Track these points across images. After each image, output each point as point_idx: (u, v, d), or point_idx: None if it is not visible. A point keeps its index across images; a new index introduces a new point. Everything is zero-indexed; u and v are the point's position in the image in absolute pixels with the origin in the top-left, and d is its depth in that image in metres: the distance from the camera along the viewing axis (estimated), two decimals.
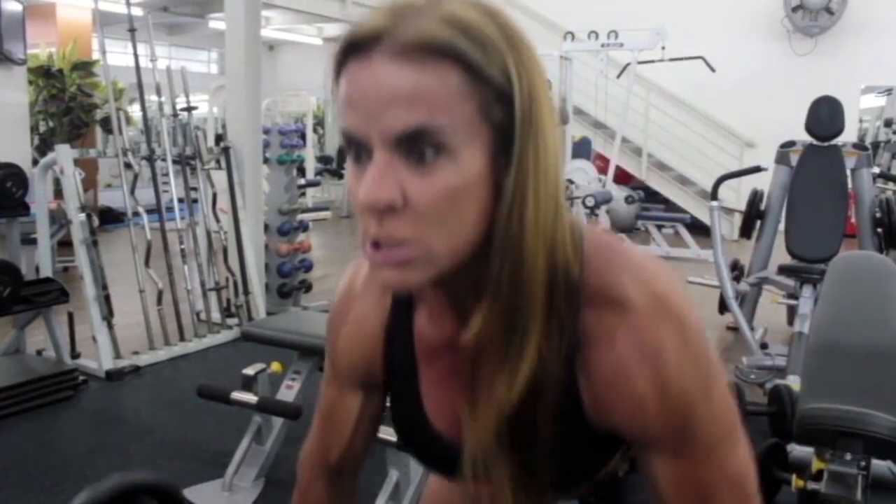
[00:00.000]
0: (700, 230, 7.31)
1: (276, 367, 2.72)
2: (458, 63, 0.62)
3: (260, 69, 4.70)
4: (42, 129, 7.93)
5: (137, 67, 4.20)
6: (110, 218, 8.15)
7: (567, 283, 0.69)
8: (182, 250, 4.29)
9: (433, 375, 0.81)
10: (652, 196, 9.12)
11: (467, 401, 0.73)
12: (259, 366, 2.59)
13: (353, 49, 0.64)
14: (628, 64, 7.92)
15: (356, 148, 0.65)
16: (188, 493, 2.52)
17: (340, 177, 10.54)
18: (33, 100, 7.69)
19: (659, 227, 7.61)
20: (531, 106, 0.65)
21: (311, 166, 9.83)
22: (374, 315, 0.85)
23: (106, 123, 7.63)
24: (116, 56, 6.58)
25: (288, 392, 2.63)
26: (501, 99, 0.64)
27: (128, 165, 4.02)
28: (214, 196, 4.45)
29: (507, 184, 0.65)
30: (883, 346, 2.23)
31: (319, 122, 13.38)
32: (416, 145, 0.62)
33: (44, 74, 7.69)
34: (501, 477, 0.74)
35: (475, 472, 0.73)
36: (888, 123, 10.24)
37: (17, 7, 6.04)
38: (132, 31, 4.15)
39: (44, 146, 7.55)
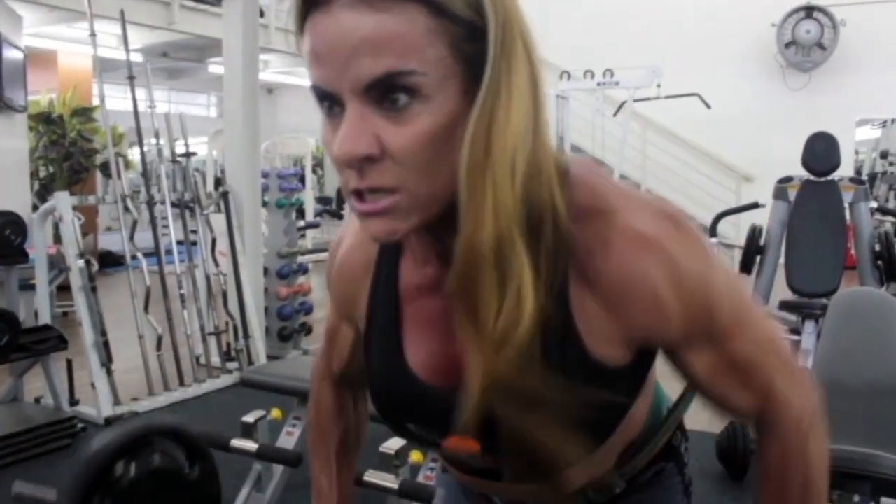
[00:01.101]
0: None
1: (276, 413, 2.69)
2: (423, 2, 0.60)
3: (258, 113, 4.74)
4: (42, 174, 7.98)
5: (136, 113, 4.23)
6: (110, 261, 8.16)
7: (554, 211, 0.67)
8: (181, 295, 4.28)
9: (416, 321, 0.78)
10: None
11: (464, 340, 0.68)
12: (259, 412, 2.57)
13: (313, 1, 0.61)
14: (624, 102, 7.99)
15: (328, 101, 0.64)
16: None
17: (340, 217, 10.56)
18: (34, 145, 7.74)
19: None
20: (503, 35, 0.63)
21: (310, 207, 9.85)
22: (360, 259, 0.83)
23: (106, 168, 7.68)
24: (117, 101, 6.66)
25: (288, 439, 2.60)
26: (473, 34, 0.62)
27: (126, 209, 4.03)
28: (213, 240, 4.46)
29: (474, 108, 0.62)
30: (887, 383, 2.21)
31: (319, 163, 13.47)
32: (388, 92, 0.61)
33: (44, 121, 7.75)
34: (510, 416, 0.71)
35: (474, 418, 0.69)
36: (884, 155, 10.31)
37: (19, 55, 6.10)
38: (131, 78, 4.18)
39: (44, 191, 7.60)
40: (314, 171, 13.01)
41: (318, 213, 10.79)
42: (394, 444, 2.20)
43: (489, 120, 0.62)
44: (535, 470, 0.78)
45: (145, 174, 4.37)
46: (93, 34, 4.14)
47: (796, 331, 3.96)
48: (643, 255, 0.68)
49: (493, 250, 0.63)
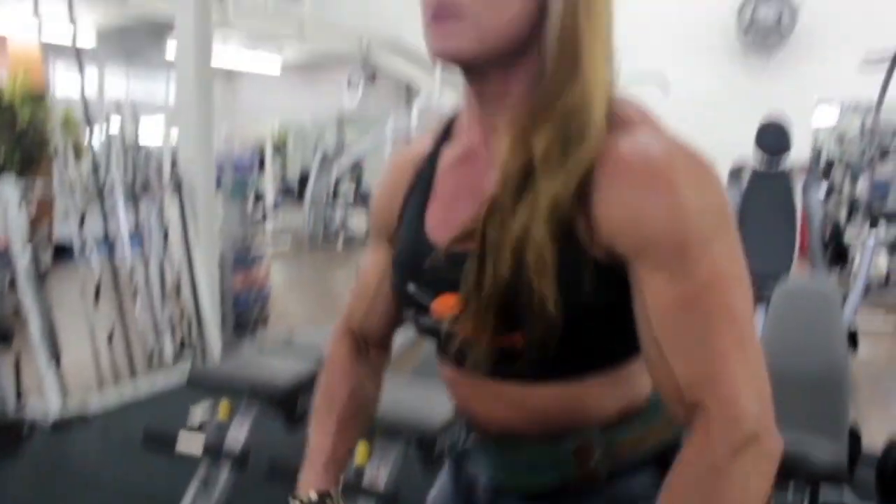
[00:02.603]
0: None
1: (223, 411, 2.66)
2: None
3: (212, 96, 4.62)
4: None
5: (84, 99, 4.14)
6: (68, 251, 7.98)
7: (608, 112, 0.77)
8: (134, 286, 4.21)
9: (443, 192, 0.87)
10: None
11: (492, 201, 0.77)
12: (205, 410, 2.55)
13: None
14: None
15: None
16: None
17: (303, 203, 10.45)
18: None
19: None
20: None
21: (269, 194, 9.75)
22: (410, 158, 0.94)
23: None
24: (73, 85, 6.51)
25: (236, 438, 2.58)
26: None
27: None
28: (165, 232, 4.38)
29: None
30: (823, 373, 2.25)
31: (281, 149, 13.30)
32: None
33: None
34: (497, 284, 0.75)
35: (476, 275, 0.76)
36: (840, 140, 10.46)
37: None
38: (80, 65, 4.07)
39: None
40: (277, 151, 12.86)
41: (279, 203, 10.70)
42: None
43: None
44: (503, 346, 0.78)
45: (94, 162, 4.27)
46: (37, 14, 4.04)
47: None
48: (648, 164, 0.73)
49: (581, 107, 0.76)
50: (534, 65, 0.78)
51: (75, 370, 3.94)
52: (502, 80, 0.79)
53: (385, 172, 0.98)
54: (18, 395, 3.69)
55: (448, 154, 0.89)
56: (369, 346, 1.03)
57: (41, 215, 7.64)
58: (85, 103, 4.20)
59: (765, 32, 8.97)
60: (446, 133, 0.91)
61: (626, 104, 0.79)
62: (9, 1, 7.21)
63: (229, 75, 12.77)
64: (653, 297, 0.72)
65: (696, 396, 0.71)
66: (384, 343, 1.04)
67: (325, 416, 0.98)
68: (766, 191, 4.19)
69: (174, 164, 4.41)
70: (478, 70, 0.79)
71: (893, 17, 7.92)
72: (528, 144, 0.76)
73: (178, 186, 4.38)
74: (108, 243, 4.15)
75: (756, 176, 4.30)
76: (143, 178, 4.35)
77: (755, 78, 9.21)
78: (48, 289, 3.88)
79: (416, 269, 0.85)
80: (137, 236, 4.36)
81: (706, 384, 0.70)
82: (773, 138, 4.19)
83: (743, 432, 0.69)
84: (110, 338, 3.99)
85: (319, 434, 0.97)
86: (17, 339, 3.62)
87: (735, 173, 4.48)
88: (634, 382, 0.84)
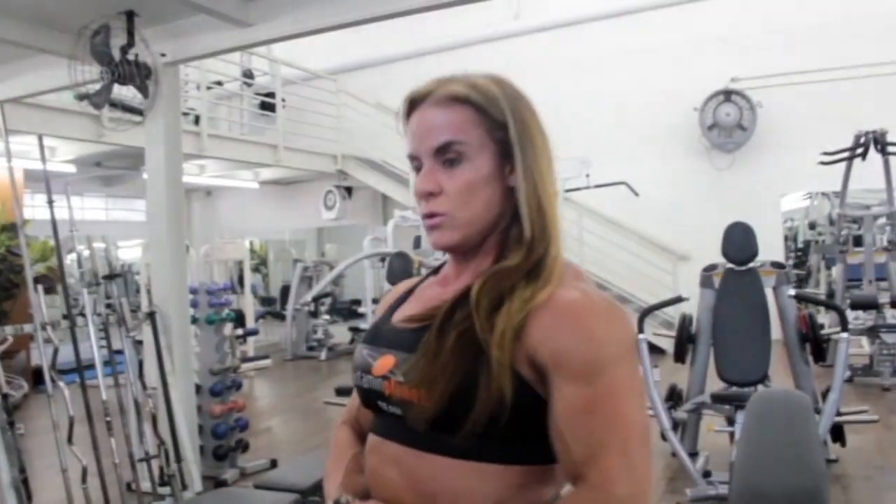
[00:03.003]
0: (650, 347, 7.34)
1: None
2: (471, 105, 1.03)
3: (182, 229, 4.65)
4: None
5: (55, 235, 4.16)
6: (44, 379, 7.87)
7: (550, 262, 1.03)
8: (107, 421, 4.13)
9: (419, 298, 1.14)
10: None
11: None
12: None
13: (413, 103, 1.06)
14: None
15: (416, 162, 1.06)
16: None
17: (283, 318, 10.43)
18: None
19: None
20: (524, 131, 1.04)
21: (250, 312, 9.72)
22: (401, 289, 1.22)
23: (38, 283, 7.51)
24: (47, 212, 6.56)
25: None
26: (502, 126, 1.03)
27: (47, 341, 3.92)
28: (140, 363, 4.34)
29: (516, 177, 1.04)
30: (805, 489, 2.21)
31: (263, 262, 13.38)
32: (446, 154, 1.03)
33: None
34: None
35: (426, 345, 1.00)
36: (812, 226, 10.65)
37: None
38: (50, 202, 4.12)
39: None
40: (258, 270, 12.92)
41: (262, 315, 10.67)
42: None
43: (533, 183, 1.03)
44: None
45: (66, 296, 4.26)
46: (9, 157, 4.11)
47: (731, 420, 3.97)
48: (575, 308, 0.96)
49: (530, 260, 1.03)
50: (502, 234, 1.06)
51: None
52: (477, 250, 1.08)
53: (383, 297, 1.27)
54: None
55: (430, 281, 1.17)
56: (363, 433, 1.19)
57: (19, 347, 7.58)
58: (56, 233, 4.21)
59: (728, 130, 9.26)
60: (435, 272, 1.18)
61: (568, 264, 1.05)
62: None
63: (209, 192, 12.96)
64: (562, 400, 0.93)
65: (582, 471, 0.92)
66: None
67: (334, 471, 1.17)
68: (738, 291, 4.23)
69: (148, 292, 4.41)
70: (462, 251, 1.08)
71: (849, 108, 8.20)
72: (504, 283, 1.00)
73: (151, 318, 4.37)
74: (81, 374, 4.09)
75: (728, 274, 4.34)
76: (118, 307, 4.32)
77: (721, 175, 9.44)
78: (25, 417, 3.78)
79: (373, 338, 1.13)
80: (111, 366, 4.30)
81: (592, 464, 0.91)
82: (740, 239, 4.25)
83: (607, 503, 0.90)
84: (83, 477, 3.87)
85: (331, 484, 1.16)
86: None
87: (708, 274, 4.53)
88: (521, 496, 0.99)
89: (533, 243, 1.02)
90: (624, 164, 9.16)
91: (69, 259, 7.33)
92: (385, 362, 1.05)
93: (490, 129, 1.03)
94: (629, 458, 0.91)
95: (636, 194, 8.23)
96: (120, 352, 4.39)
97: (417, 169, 1.06)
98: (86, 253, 4.43)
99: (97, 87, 4.26)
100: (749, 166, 9.33)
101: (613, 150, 9.34)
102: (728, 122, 9.19)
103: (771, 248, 7.02)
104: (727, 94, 9.18)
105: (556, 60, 9.93)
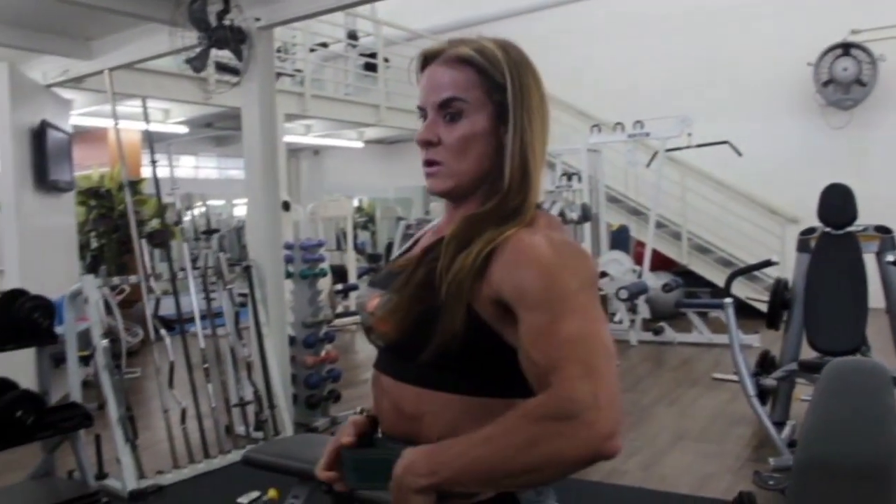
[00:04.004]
0: (749, 312, 7.14)
1: (272, 493, 2.73)
2: (475, 67, 1.11)
3: (278, 186, 4.83)
4: (93, 245, 8.31)
5: (158, 194, 4.40)
6: (162, 325, 8.39)
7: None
8: (205, 368, 4.38)
9: (416, 246, 1.23)
10: (696, 280, 8.97)
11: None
12: (253, 494, 2.61)
13: (426, 59, 1.16)
14: (656, 153, 7.95)
15: (423, 112, 1.15)
16: None
17: None
18: (84, 219, 8.08)
19: (703, 314, 7.46)
20: (521, 94, 1.11)
21: (352, 268, 9.97)
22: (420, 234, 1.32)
23: (152, 238, 7.95)
24: (165, 170, 6.93)
25: None
26: (501, 89, 1.11)
27: (150, 290, 4.18)
28: (237, 314, 4.56)
29: (507, 136, 1.11)
30: (874, 465, 2.13)
31: (371, 219, 13.63)
32: (447, 109, 1.12)
33: (94, 195, 8.09)
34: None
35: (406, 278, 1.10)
36: None
37: (65, 138, 6.43)
38: (153, 162, 4.34)
39: (95, 263, 7.90)
40: (366, 228, 13.18)
41: (364, 272, 10.91)
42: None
43: (521, 141, 1.11)
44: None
45: (168, 251, 4.51)
46: (115, 119, 4.36)
47: None
48: (533, 246, 1.03)
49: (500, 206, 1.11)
50: (491, 186, 1.14)
51: (151, 450, 4.11)
52: (466, 199, 1.16)
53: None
54: (100, 469, 3.89)
55: (428, 229, 1.28)
56: None
57: (137, 297, 8.06)
58: (157, 190, 4.46)
59: (845, 86, 8.74)
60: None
61: (541, 213, 1.13)
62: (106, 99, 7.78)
63: (316, 151, 13.29)
64: (526, 327, 0.99)
65: (548, 379, 0.95)
66: None
67: None
68: (834, 256, 4.04)
69: (244, 248, 4.61)
70: (454, 198, 1.17)
71: None
72: (476, 227, 1.09)
73: (247, 272, 4.57)
74: (181, 324, 4.35)
75: (824, 238, 4.16)
76: (216, 262, 4.55)
77: (837, 133, 8.94)
78: (140, 363, 4.05)
79: (374, 280, 1.25)
80: (210, 318, 4.55)
81: (555, 373, 0.95)
82: (838, 201, 4.05)
83: (564, 409, 0.92)
84: (182, 418, 4.14)
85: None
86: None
87: (805, 238, 4.35)
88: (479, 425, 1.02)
89: (509, 193, 1.10)
90: (730, 122, 8.80)
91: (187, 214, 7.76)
92: (374, 300, 1.16)
93: (489, 90, 1.11)
94: (590, 367, 0.94)
95: (739, 154, 7.90)
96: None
97: (423, 118, 1.15)
98: (189, 210, 4.66)
99: (196, 51, 4.44)
100: (868, 125, 8.81)
101: (717, 108, 9.00)
102: (846, 77, 8.68)
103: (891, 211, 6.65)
104: (845, 48, 8.66)
105: (659, 16, 9.62)
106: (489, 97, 1.12)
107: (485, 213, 1.10)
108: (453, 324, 1.03)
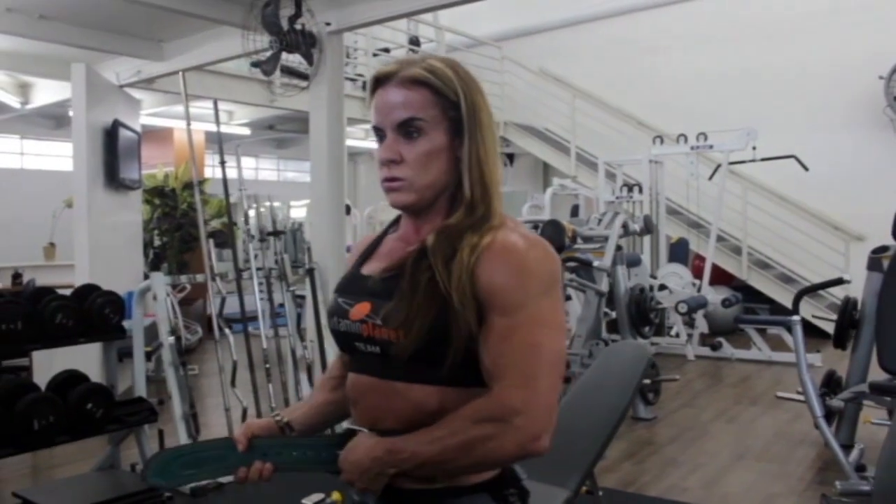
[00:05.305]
0: (810, 330, 6.96)
1: (336, 496, 2.76)
2: (429, 87, 1.17)
3: (343, 190, 4.89)
4: (157, 243, 8.51)
5: (227, 196, 4.47)
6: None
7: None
8: (267, 368, 4.45)
9: (383, 252, 1.28)
10: (755, 296, 8.79)
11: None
12: (317, 496, 2.64)
13: (378, 81, 1.20)
14: (719, 165, 7.83)
15: (379, 134, 1.20)
16: None
17: None
18: (149, 217, 8.28)
19: (762, 331, 7.31)
20: (472, 111, 1.19)
21: None
22: (361, 246, 1.37)
23: (214, 237, 8.11)
24: (230, 171, 7.04)
25: None
26: (455, 106, 1.18)
27: (216, 292, 4.25)
28: (299, 315, 4.62)
29: (463, 150, 1.19)
30: None
31: None
32: (407, 128, 1.17)
33: (158, 194, 8.28)
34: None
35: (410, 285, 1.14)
36: None
37: (134, 137, 6.59)
38: (222, 163, 4.41)
39: (157, 260, 8.09)
40: None
41: None
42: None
43: (477, 154, 1.19)
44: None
45: (234, 251, 4.58)
46: (188, 120, 4.44)
47: (892, 412, 3.73)
48: (507, 247, 1.13)
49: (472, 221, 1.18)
50: (450, 197, 1.21)
51: None
52: (429, 209, 1.23)
53: (350, 252, 1.47)
54: None
55: (390, 237, 1.31)
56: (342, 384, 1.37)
57: (197, 295, 8.24)
58: (226, 191, 4.53)
59: None
60: (394, 226, 1.32)
61: (505, 216, 1.21)
62: (174, 100, 7.97)
63: (374, 155, 13.40)
64: (489, 327, 1.11)
65: (492, 383, 1.10)
66: None
67: (316, 391, 1.43)
68: None
69: (308, 250, 4.67)
70: (416, 210, 1.22)
71: None
72: (453, 236, 1.16)
73: (310, 274, 4.63)
74: (244, 324, 4.42)
75: None
76: (279, 263, 4.61)
77: None
78: (199, 360, 4.12)
79: (346, 288, 1.28)
80: (273, 318, 4.61)
81: (497, 379, 1.09)
82: None
83: (497, 413, 1.07)
84: (244, 417, 4.20)
85: (304, 404, 1.40)
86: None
87: (877, 256, 4.24)
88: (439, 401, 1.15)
89: (473, 203, 1.19)
90: (796, 136, 8.61)
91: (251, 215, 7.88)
92: (362, 308, 1.20)
93: (445, 108, 1.18)
94: (529, 378, 1.08)
95: (805, 169, 7.73)
96: (281, 305, 4.70)
97: (380, 139, 1.21)
98: (252, 211, 4.74)
99: (267, 55, 4.52)
100: None
101: (782, 120, 8.82)
102: None
103: None
104: None
105: (722, 28, 9.47)
106: (445, 114, 1.19)
107: (458, 225, 1.18)
108: (469, 326, 1.11)
